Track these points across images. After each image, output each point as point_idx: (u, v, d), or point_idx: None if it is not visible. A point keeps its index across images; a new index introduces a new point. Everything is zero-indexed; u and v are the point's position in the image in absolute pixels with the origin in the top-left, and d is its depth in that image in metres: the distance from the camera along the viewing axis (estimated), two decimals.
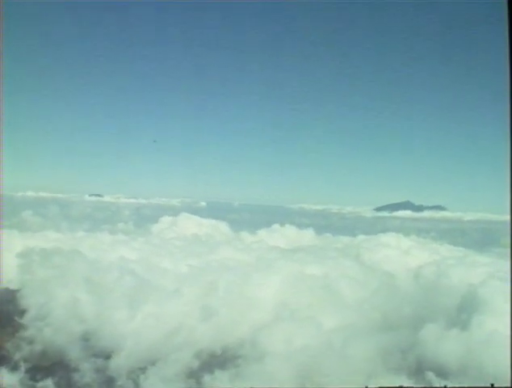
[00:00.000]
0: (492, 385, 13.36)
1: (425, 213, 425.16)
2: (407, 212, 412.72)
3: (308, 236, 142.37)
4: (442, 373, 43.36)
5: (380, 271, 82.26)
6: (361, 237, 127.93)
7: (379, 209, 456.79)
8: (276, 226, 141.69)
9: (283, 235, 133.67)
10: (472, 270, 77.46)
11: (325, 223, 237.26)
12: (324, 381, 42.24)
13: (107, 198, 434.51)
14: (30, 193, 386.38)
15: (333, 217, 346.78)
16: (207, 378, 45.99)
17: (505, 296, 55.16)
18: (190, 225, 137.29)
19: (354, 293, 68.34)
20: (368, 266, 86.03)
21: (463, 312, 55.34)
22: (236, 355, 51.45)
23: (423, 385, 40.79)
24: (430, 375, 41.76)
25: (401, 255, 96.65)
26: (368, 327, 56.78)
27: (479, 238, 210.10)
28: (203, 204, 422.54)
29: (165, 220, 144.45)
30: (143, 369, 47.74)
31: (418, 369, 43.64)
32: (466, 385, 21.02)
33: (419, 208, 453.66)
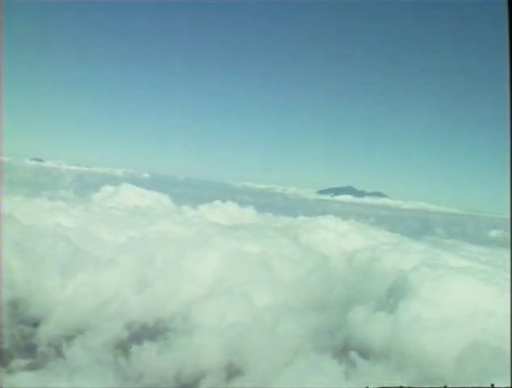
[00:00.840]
0: (492, 385, 13.85)
1: (366, 199, 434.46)
2: (348, 197, 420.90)
3: (249, 214, 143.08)
4: (365, 353, 44.84)
5: (317, 252, 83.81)
6: (301, 218, 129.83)
7: (322, 192, 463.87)
8: (218, 202, 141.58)
9: (224, 212, 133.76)
10: (404, 256, 79.71)
11: (267, 202, 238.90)
12: (251, 357, 43.03)
13: (48, 163, 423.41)
14: None
15: (276, 197, 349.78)
16: (134, 349, 45.95)
17: (433, 283, 57.43)
18: (132, 196, 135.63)
19: (289, 273, 69.51)
20: (305, 247, 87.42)
21: (392, 296, 57.00)
22: (167, 327, 51.64)
23: (348, 364, 41.96)
24: (354, 354, 43.09)
25: (338, 238, 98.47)
26: (300, 307, 58.01)
27: (415, 226, 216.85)
28: (147, 175, 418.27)
29: (107, 189, 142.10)
30: (70, 338, 47.23)
31: (344, 349, 44.93)
32: (466, 386, 21.90)
33: (361, 194, 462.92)
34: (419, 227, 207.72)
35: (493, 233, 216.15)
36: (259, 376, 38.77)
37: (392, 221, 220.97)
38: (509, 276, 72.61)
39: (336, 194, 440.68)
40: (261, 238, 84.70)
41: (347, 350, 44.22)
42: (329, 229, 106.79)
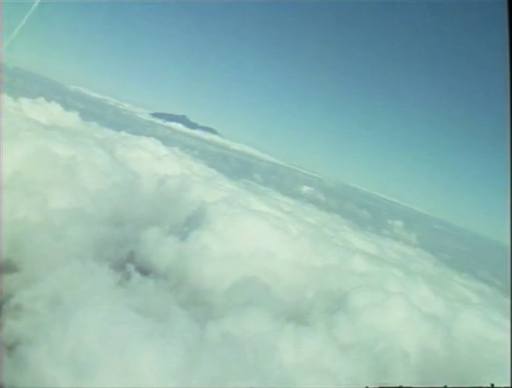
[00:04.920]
0: (492, 385, 14.40)
1: (197, 132, 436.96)
2: (180, 126, 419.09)
3: (72, 119, 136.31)
4: (146, 270, 46.39)
5: (128, 169, 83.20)
6: (123, 133, 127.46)
7: (155, 115, 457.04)
8: (42, 100, 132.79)
9: (45, 110, 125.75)
10: (212, 191, 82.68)
11: (96, 112, 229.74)
12: (30, 254, 42.21)
13: None
14: None
15: (107, 109, 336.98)
16: None
17: (228, 219, 60.47)
18: None
19: (95, 182, 68.12)
20: (119, 161, 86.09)
21: (188, 224, 59.09)
22: None
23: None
24: (132, 268, 44.31)
25: (154, 160, 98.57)
26: (96, 217, 57.53)
27: (236, 166, 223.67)
28: None
29: None
30: None
31: (125, 263, 45.92)
32: (466, 386, 22.94)
33: (193, 126, 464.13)
34: (239, 169, 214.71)
35: (305, 189, 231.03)
36: (33, 273, 38.23)
37: (215, 157, 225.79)
38: (301, 226, 79.41)
39: (169, 120, 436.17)
40: (75, 144, 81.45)
41: (128, 264, 45.29)
42: (148, 150, 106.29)
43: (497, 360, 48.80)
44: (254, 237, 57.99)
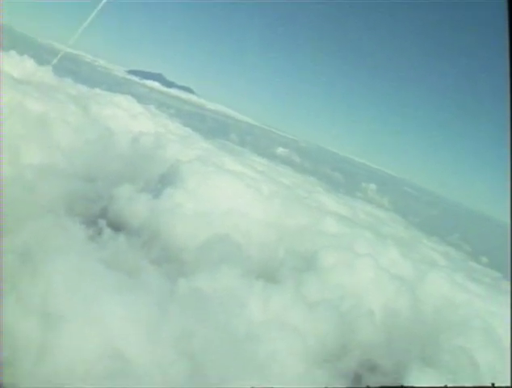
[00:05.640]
0: (492, 384, 14.46)
1: (174, 91, 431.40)
2: (156, 84, 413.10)
3: (46, 74, 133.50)
4: (118, 226, 46.54)
5: (103, 126, 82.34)
6: (97, 90, 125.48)
7: (131, 72, 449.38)
8: (13, 53, 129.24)
9: (18, 64, 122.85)
10: (186, 150, 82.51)
11: (71, 68, 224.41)
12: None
13: None
14: None
15: (83, 65, 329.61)
16: None
17: (202, 178, 60.57)
18: None
19: (68, 139, 67.40)
20: (93, 118, 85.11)
21: (162, 182, 59.06)
22: None
23: None
24: (104, 224, 44.44)
25: (129, 118, 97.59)
26: (69, 172, 57.07)
27: (211, 126, 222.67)
28: None
29: None
30: None
31: (97, 218, 45.98)
32: (466, 385, 23.12)
33: (169, 84, 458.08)
34: (214, 128, 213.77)
35: (280, 150, 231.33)
36: (3, 227, 38.01)
37: (191, 116, 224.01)
38: (274, 186, 79.88)
39: (145, 78, 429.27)
40: (48, 99, 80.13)
41: (100, 220, 45.37)
42: (123, 108, 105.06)
43: (459, 319, 50.69)
44: (227, 196, 58.30)
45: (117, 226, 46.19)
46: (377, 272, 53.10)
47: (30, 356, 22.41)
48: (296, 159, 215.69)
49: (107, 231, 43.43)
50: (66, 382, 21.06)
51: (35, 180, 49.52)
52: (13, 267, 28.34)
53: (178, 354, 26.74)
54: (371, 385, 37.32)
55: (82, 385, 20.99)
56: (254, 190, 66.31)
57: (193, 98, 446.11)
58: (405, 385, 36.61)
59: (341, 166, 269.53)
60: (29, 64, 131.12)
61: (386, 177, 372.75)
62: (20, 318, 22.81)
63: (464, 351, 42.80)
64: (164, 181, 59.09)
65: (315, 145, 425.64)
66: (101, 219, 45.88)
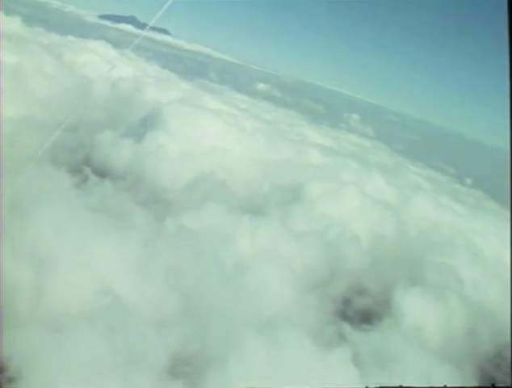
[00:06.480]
0: (492, 384, 14.63)
1: (148, 33, 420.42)
2: (130, 27, 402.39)
3: (15, 24, 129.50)
4: (103, 172, 46.81)
5: (79, 74, 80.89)
6: (70, 38, 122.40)
7: (102, 17, 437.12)
8: None
9: None
10: (166, 92, 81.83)
11: (39, 16, 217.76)
12: None
13: None
14: None
15: (52, 12, 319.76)
16: None
17: (183, 118, 60.52)
18: None
19: (45, 89, 66.39)
20: (68, 67, 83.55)
21: (143, 126, 58.86)
22: None
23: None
24: (89, 171, 44.73)
25: (105, 63, 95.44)
26: (48, 123, 56.08)
27: (190, 66, 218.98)
28: None
29: None
30: None
31: (81, 166, 46.15)
32: (466, 385, 23.54)
33: (143, 27, 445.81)
34: (193, 69, 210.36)
35: (261, 86, 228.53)
36: None
37: (168, 58, 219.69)
38: (256, 123, 79.79)
39: (117, 22, 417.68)
40: (21, 50, 78.12)
41: (84, 167, 45.56)
42: (98, 53, 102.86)
43: (443, 239, 52.17)
44: (210, 135, 58.46)
45: (102, 173, 46.43)
46: (362, 199, 54.11)
47: (26, 301, 23.21)
48: (278, 94, 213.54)
49: (93, 178, 43.66)
50: (63, 322, 21.90)
51: (15, 133, 49.17)
52: (2, 218, 28.78)
53: (168, 289, 27.65)
54: (358, 307, 38.97)
55: (78, 322, 21.87)
56: (237, 127, 66.42)
57: (169, 39, 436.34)
58: (393, 305, 38.43)
59: (323, 98, 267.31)
60: None
61: (369, 107, 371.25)
62: (13, 265, 23.41)
63: (449, 268, 44.30)
64: (145, 125, 58.87)
65: (297, 80, 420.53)
66: (85, 166, 46.07)
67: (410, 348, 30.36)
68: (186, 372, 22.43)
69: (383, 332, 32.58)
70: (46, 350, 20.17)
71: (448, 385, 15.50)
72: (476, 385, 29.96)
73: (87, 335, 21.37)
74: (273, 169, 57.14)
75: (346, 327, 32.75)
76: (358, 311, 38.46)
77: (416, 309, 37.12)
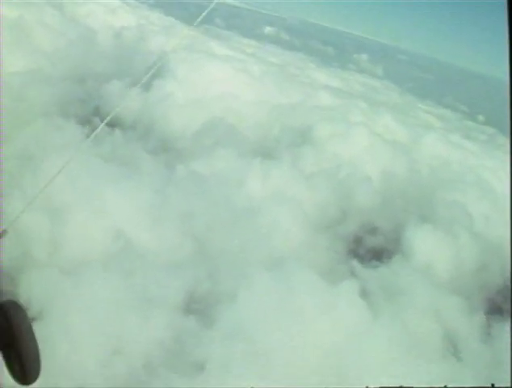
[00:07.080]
0: (492, 385, 14.78)
1: None
2: None
3: None
4: (113, 123, 46.75)
5: (82, 25, 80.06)
6: None
7: None
8: None
9: None
10: (171, 39, 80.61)
11: None
12: None
13: None
14: None
15: None
16: None
17: (190, 65, 60.22)
18: None
19: (49, 42, 65.88)
20: (71, 18, 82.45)
21: (150, 75, 58.38)
22: None
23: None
24: (97, 121, 44.83)
25: (108, 13, 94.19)
26: (55, 76, 56.37)
27: (195, 12, 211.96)
28: None
29: None
30: None
31: (91, 117, 46.23)
32: (466, 385, 23.79)
33: None
34: (198, 14, 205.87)
35: (268, 29, 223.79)
36: None
37: (172, 4, 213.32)
38: (264, 67, 79.01)
39: None
40: (20, 3, 77.16)
41: (94, 118, 45.68)
42: (100, 3, 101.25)
43: (454, 176, 52.24)
44: (218, 80, 58.10)
45: (112, 123, 46.42)
46: (372, 139, 54.02)
47: (42, 247, 23.99)
48: (285, 37, 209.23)
49: (103, 128, 43.84)
50: (79, 267, 22.70)
51: (23, 87, 49.26)
52: (14, 170, 29.38)
53: (181, 233, 28.31)
54: (369, 245, 39.53)
55: (94, 266, 22.69)
56: (245, 72, 65.94)
57: None
58: (403, 242, 38.95)
59: (332, 39, 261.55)
60: None
61: (379, 46, 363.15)
62: (27, 215, 24.00)
63: (459, 205, 44.57)
64: (152, 73, 58.40)
65: (304, 22, 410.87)
66: (95, 117, 46.18)
67: (419, 282, 30.97)
68: (199, 309, 23.34)
69: (392, 268, 33.15)
70: (64, 292, 21.02)
71: (448, 386, 15.92)
72: (484, 315, 30.63)
73: (103, 278, 22.18)
74: (282, 112, 56.89)
75: (357, 265, 33.34)
76: (370, 249, 38.99)
77: (426, 246, 37.62)
